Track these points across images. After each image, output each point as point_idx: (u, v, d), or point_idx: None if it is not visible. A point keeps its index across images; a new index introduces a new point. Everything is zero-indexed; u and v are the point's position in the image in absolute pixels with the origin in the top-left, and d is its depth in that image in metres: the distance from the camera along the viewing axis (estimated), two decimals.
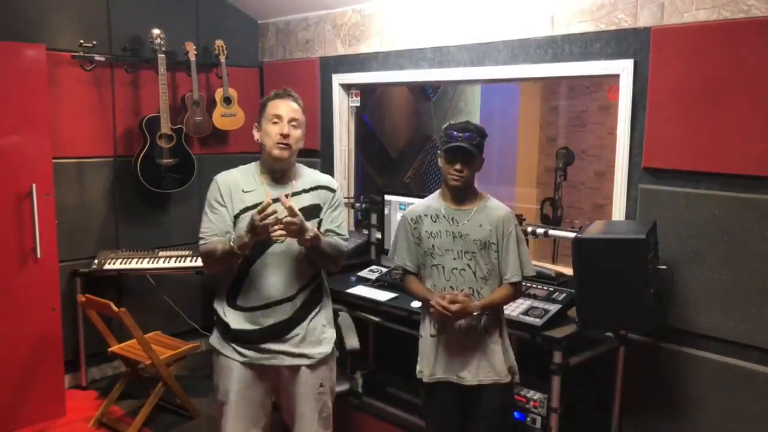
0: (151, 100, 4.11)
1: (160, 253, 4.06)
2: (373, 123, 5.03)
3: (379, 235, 3.76)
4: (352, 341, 3.00)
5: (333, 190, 2.42)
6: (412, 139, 5.42)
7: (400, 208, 3.58)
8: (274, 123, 2.29)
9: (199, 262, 3.66)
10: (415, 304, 2.87)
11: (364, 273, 3.53)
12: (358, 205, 4.02)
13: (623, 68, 2.86)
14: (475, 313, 2.33)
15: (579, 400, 2.89)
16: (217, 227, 2.29)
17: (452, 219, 2.42)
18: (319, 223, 2.35)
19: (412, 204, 2.67)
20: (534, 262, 2.81)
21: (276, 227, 2.10)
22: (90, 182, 4.05)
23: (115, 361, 4.13)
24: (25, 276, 3.43)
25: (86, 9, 3.92)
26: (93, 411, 3.63)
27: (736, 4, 2.52)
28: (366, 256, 3.83)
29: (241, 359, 2.33)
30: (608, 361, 2.88)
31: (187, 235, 4.19)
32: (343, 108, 4.23)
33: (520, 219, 3.20)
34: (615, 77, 2.91)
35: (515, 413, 2.81)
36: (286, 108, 2.31)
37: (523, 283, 2.89)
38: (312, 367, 2.36)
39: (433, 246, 2.42)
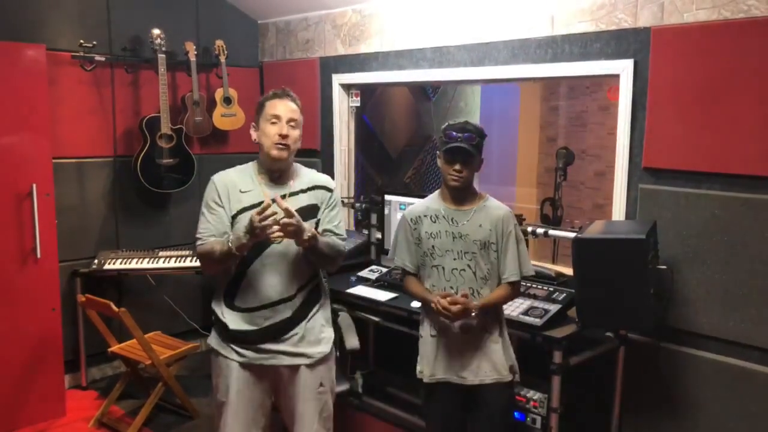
0: (151, 100, 4.11)
1: (160, 253, 4.06)
2: (373, 123, 5.03)
3: (379, 235, 3.76)
4: (352, 341, 2.99)
5: (330, 190, 2.42)
6: (412, 139, 5.42)
7: (400, 208, 3.58)
8: (273, 123, 2.28)
9: (199, 263, 3.66)
10: (415, 304, 2.87)
11: (364, 273, 3.53)
12: (358, 205, 4.02)
13: (623, 68, 2.86)
14: (473, 313, 2.33)
15: (579, 400, 2.89)
16: (215, 228, 2.29)
17: (452, 219, 2.42)
18: (317, 223, 2.35)
19: (412, 204, 2.67)
20: (534, 262, 2.81)
21: (274, 228, 2.10)
22: (90, 182, 4.05)
23: (115, 361, 4.13)
24: (25, 276, 3.43)
25: (86, 9, 3.92)
26: (93, 411, 3.63)
27: (736, 4, 2.52)
28: (366, 256, 3.83)
29: (240, 359, 2.32)
30: (608, 361, 2.88)
31: (187, 235, 4.18)
32: (343, 108, 4.23)
33: (520, 219, 3.20)
34: (615, 77, 2.91)
35: (515, 413, 2.81)
36: (285, 108, 2.31)
37: (523, 283, 2.90)
38: (311, 366, 2.36)
39: (432, 246, 2.42)
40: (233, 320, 2.32)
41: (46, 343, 3.54)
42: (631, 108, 2.87)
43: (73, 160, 3.95)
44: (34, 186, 3.40)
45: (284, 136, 2.27)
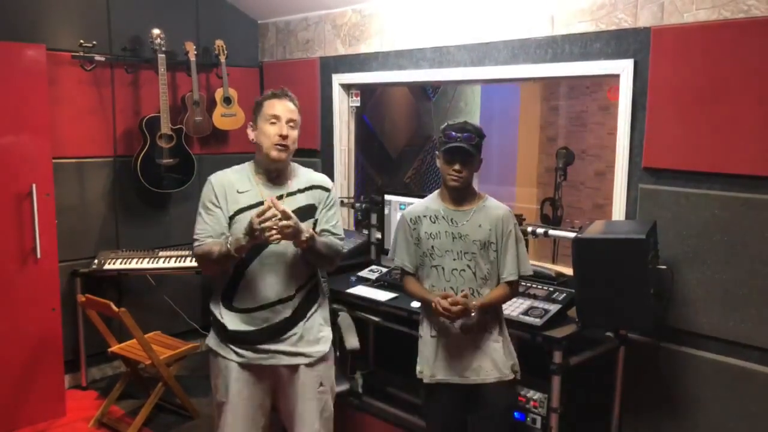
0: (151, 100, 4.11)
1: (160, 253, 4.05)
2: (373, 123, 5.03)
3: (379, 235, 3.76)
4: (352, 341, 2.99)
5: (328, 190, 2.41)
6: (412, 139, 5.42)
7: (400, 208, 3.58)
8: (272, 123, 2.27)
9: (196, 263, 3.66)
10: (415, 304, 2.87)
11: (364, 273, 3.53)
12: (358, 205, 4.02)
13: (623, 68, 2.86)
14: (473, 313, 2.33)
15: (579, 400, 2.89)
16: (212, 228, 2.28)
17: (451, 220, 2.42)
18: (315, 223, 2.34)
19: (412, 204, 2.67)
20: (534, 262, 2.81)
21: (273, 231, 2.09)
22: (90, 182, 4.05)
23: (115, 361, 4.13)
24: (25, 276, 3.43)
25: (86, 9, 3.92)
26: (93, 411, 3.63)
27: (736, 4, 2.52)
28: (366, 256, 3.83)
29: (239, 360, 2.32)
30: (608, 361, 2.88)
31: (187, 235, 4.12)
32: (343, 108, 4.23)
33: (520, 219, 3.20)
34: (615, 77, 2.91)
35: (515, 413, 2.81)
36: (284, 108, 2.30)
37: (523, 283, 2.90)
38: (310, 366, 2.36)
39: (432, 247, 2.42)
40: (232, 321, 2.32)
41: (46, 343, 3.54)
42: (631, 108, 2.87)
43: (73, 160, 3.95)
44: (34, 186, 3.40)
45: (284, 137, 2.27)
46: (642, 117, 2.84)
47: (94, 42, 3.84)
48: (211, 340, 2.39)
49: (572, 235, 2.85)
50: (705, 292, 2.71)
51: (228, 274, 2.31)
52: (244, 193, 2.30)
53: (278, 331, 2.31)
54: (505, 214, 2.43)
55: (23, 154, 3.39)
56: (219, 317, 2.34)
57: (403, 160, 5.37)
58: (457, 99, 5.62)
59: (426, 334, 2.48)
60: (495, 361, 2.41)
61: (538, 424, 2.77)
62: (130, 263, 3.91)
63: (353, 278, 3.50)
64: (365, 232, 3.90)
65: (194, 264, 3.91)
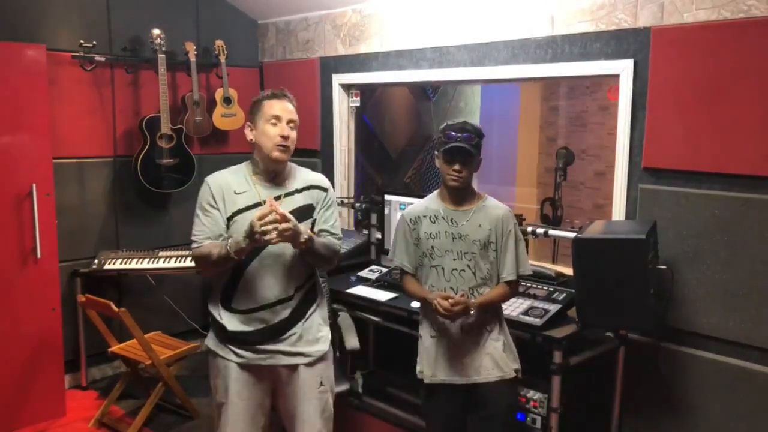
0: (151, 100, 4.11)
1: (160, 253, 4.05)
2: (373, 123, 5.03)
3: (379, 235, 3.76)
4: (352, 341, 2.99)
5: (325, 189, 2.40)
6: (412, 139, 5.42)
7: (400, 208, 3.58)
8: (273, 124, 2.27)
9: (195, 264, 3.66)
10: (415, 304, 2.87)
11: (364, 273, 3.53)
12: (358, 205, 4.02)
13: (623, 68, 2.86)
14: (472, 311, 2.33)
15: (579, 400, 2.89)
16: (210, 230, 2.27)
17: (451, 220, 2.42)
18: (313, 223, 2.34)
19: (412, 204, 2.67)
20: (534, 262, 2.82)
21: (273, 234, 2.09)
22: (90, 182, 4.05)
23: (115, 361, 4.13)
24: (25, 276, 3.43)
25: (86, 9, 3.92)
26: (93, 411, 3.63)
27: (736, 4, 2.52)
28: (366, 256, 3.83)
29: (238, 360, 2.32)
30: (608, 361, 2.88)
31: (187, 235, 4.08)
32: (343, 108, 4.23)
33: (520, 219, 3.20)
34: (615, 77, 2.91)
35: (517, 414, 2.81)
36: (285, 109, 2.30)
37: (523, 283, 2.90)
38: (310, 365, 2.36)
39: (432, 247, 2.42)
40: (231, 322, 2.31)
41: (46, 343, 3.54)
42: (631, 108, 2.87)
43: (73, 160, 3.95)
44: (34, 186, 3.40)
45: (286, 138, 2.27)
46: (642, 117, 2.84)
47: (94, 42, 3.84)
48: (210, 341, 2.39)
49: (572, 235, 2.85)
50: (705, 292, 2.71)
51: (227, 274, 2.31)
52: (241, 194, 2.29)
53: (277, 332, 2.31)
54: (505, 214, 2.43)
55: (23, 154, 3.39)
56: (218, 318, 2.34)
57: (403, 160, 5.37)
58: (457, 99, 5.62)
59: (426, 334, 2.48)
60: (496, 359, 2.41)
61: (538, 424, 2.77)
62: (130, 263, 3.91)
63: (353, 278, 3.50)
64: (365, 232, 3.91)
65: (194, 264, 3.92)
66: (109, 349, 3.56)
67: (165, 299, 4.30)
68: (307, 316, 2.36)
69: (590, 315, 2.61)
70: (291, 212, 2.20)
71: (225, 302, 2.33)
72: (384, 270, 3.51)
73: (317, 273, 2.46)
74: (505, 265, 2.41)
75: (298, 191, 2.35)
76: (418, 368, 2.50)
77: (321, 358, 2.39)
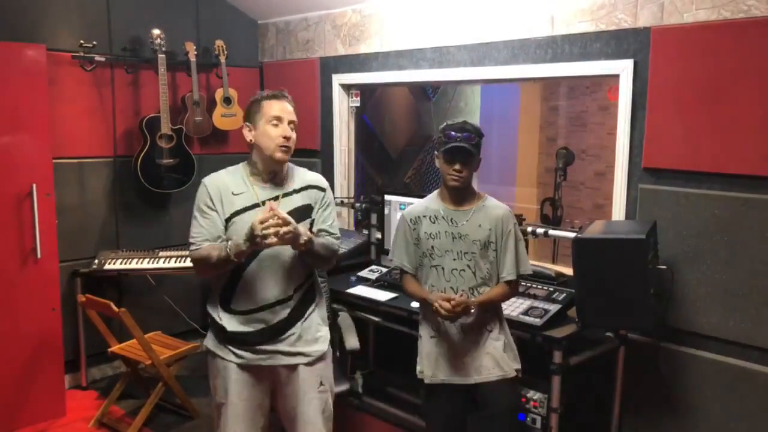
0: (151, 101, 4.11)
1: (160, 253, 4.05)
2: (373, 123, 5.03)
3: (379, 235, 3.76)
4: (352, 341, 2.99)
5: (323, 189, 2.40)
6: (412, 139, 5.42)
7: (400, 208, 3.58)
8: (275, 125, 2.26)
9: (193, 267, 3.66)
10: (415, 304, 2.87)
11: (364, 273, 3.53)
12: (358, 205, 4.02)
13: (623, 68, 2.86)
14: (472, 310, 2.33)
15: (579, 400, 2.89)
16: (208, 232, 2.27)
17: (451, 220, 2.42)
18: (311, 223, 2.34)
19: (412, 204, 2.67)
20: (534, 262, 2.82)
21: (274, 239, 2.09)
22: (90, 182, 4.05)
23: (115, 361, 4.13)
24: (25, 276, 3.43)
25: (86, 9, 3.92)
26: (93, 411, 3.63)
27: (736, 4, 2.52)
28: (366, 256, 3.83)
29: (238, 361, 2.31)
30: (608, 361, 2.88)
31: (187, 235, 4.16)
32: (343, 108, 4.23)
33: (520, 219, 3.20)
34: (615, 77, 2.91)
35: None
36: (285, 110, 2.29)
37: (523, 283, 2.90)
38: (310, 365, 2.36)
39: (432, 247, 2.42)
40: (230, 323, 2.31)
41: (46, 343, 3.54)
42: (631, 108, 2.87)
43: (73, 160, 3.95)
44: (34, 186, 3.40)
45: (288, 138, 2.27)
46: (642, 117, 2.84)
47: (94, 42, 3.84)
48: (210, 342, 2.39)
49: (572, 235, 2.85)
50: (705, 292, 2.71)
51: (225, 276, 2.30)
52: (239, 195, 2.28)
53: (277, 332, 2.30)
54: (505, 214, 2.43)
55: (23, 154, 3.39)
56: (217, 319, 2.33)
57: (403, 160, 5.37)
58: (457, 99, 5.62)
59: (426, 334, 2.48)
60: (496, 359, 2.41)
61: (538, 424, 2.76)
62: (130, 263, 3.91)
63: (353, 278, 3.50)
64: (365, 232, 3.91)
65: (192, 266, 3.91)
66: (109, 349, 3.56)
67: (165, 299, 4.30)
68: (306, 315, 2.36)
69: (590, 315, 2.61)
70: (289, 212, 2.20)
71: (224, 304, 2.33)
72: (384, 270, 3.51)
73: (316, 273, 2.46)
74: (505, 265, 2.41)
75: (296, 191, 2.34)
76: (418, 368, 2.50)
77: (320, 358, 2.39)
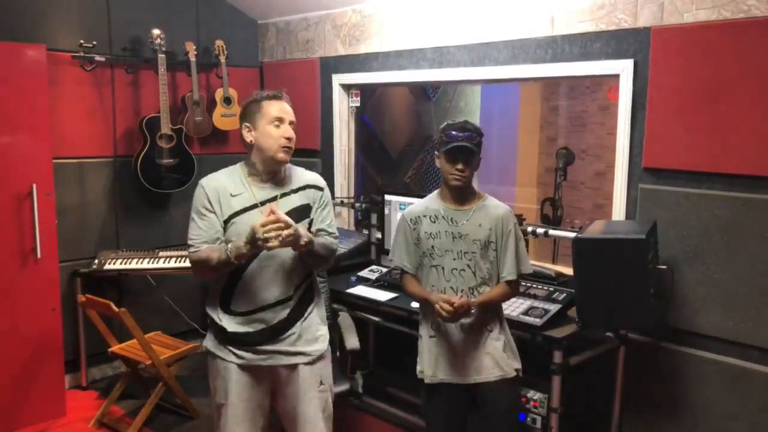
0: (151, 100, 4.11)
1: (160, 253, 4.05)
2: (373, 123, 5.03)
3: (379, 235, 3.76)
4: (352, 341, 2.99)
5: (321, 189, 2.39)
6: (412, 139, 5.42)
7: (400, 208, 3.58)
8: (276, 126, 2.26)
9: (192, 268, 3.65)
10: (415, 304, 2.87)
11: (364, 273, 3.53)
12: (358, 205, 4.02)
13: (623, 68, 2.87)
14: (472, 310, 2.33)
15: (579, 400, 2.89)
16: (207, 234, 2.26)
17: (451, 219, 2.42)
18: (310, 223, 2.34)
19: (412, 204, 2.67)
20: (534, 262, 2.81)
21: (275, 242, 2.09)
22: (90, 182, 4.05)
23: (115, 361, 4.12)
24: (25, 276, 3.43)
25: (86, 9, 3.92)
26: (93, 411, 3.63)
27: (736, 4, 2.52)
28: (366, 256, 3.83)
29: (238, 361, 2.31)
30: (608, 361, 2.88)
31: (187, 236, 4.18)
32: (343, 108, 4.23)
33: (520, 219, 3.20)
34: (615, 77, 2.91)
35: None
36: (285, 110, 2.29)
37: (523, 283, 2.90)
38: (310, 364, 2.35)
39: (432, 247, 2.42)
40: (230, 323, 2.31)
41: (46, 343, 3.54)
42: (631, 108, 2.87)
43: (73, 160, 3.95)
44: (34, 186, 3.40)
45: (290, 139, 2.26)
46: (642, 117, 2.84)
47: (94, 42, 3.84)
48: (209, 342, 2.39)
49: (572, 235, 2.86)
50: (705, 292, 2.71)
51: (224, 278, 2.29)
52: (237, 196, 2.27)
53: (277, 332, 2.30)
54: (505, 214, 2.43)
55: (23, 154, 3.39)
56: (217, 320, 2.33)
57: (403, 160, 5.37)
58: (457, 99, 5.63)
59: (426, 334, 2.48)
60: (496, 359, 2.41)
61: (538, 424, 2.77)
62: (130, 263, 3.91)
63: (353, 278, 3.50)
64: (365, 232, 3.91)
65: (191, 268, 3.91)
66: (109, 349, 3.56)
67: (165, 299, 4.30)
68: (305, 315, 2.36)
69: (590, 315, 2.61)
70: (288, 213, 2.20)
71: (224, 305, 2.32)
72: (384, 270, 3.51)
73: (314, 272, 2.46)
74: (505, 265, 2.41)
75: (294, 191, 2.34)
76: (418, 368, 2.50)
77: (320, 357, 2.39)
